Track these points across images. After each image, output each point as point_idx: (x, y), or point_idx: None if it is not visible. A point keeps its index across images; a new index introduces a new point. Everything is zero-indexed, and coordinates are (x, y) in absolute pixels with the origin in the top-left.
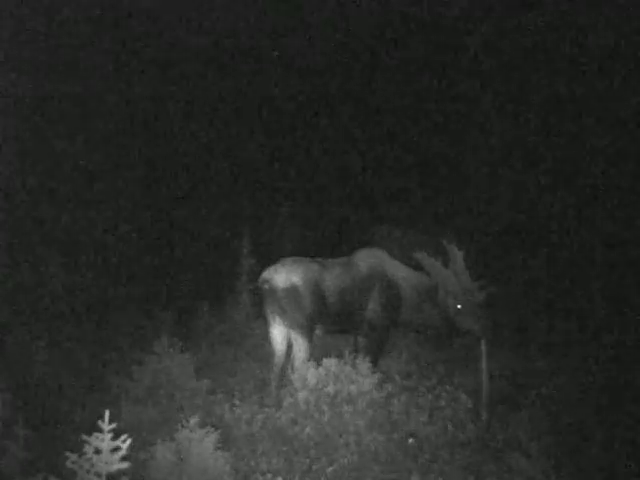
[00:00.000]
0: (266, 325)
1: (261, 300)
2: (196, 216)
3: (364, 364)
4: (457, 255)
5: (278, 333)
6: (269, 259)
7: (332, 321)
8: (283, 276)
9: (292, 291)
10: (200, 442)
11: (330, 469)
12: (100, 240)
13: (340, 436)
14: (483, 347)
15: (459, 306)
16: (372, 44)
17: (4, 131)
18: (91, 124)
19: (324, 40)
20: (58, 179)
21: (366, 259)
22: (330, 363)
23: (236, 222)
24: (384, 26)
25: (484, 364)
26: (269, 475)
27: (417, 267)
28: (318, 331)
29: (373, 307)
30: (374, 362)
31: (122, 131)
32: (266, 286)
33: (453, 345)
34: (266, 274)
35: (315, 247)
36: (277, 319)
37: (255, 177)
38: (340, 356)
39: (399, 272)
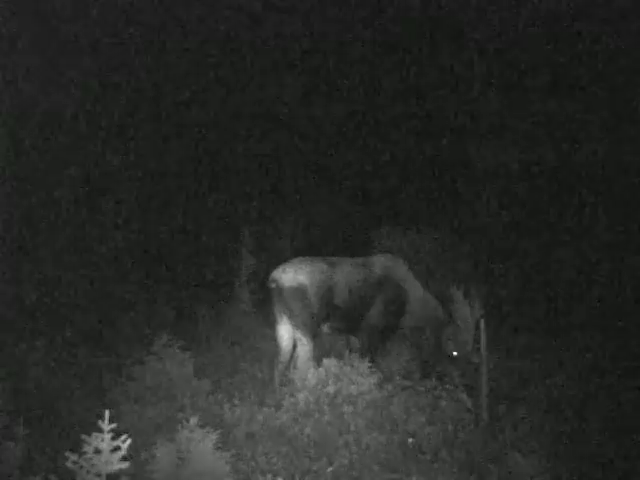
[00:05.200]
0: (273, 323)
1: (269, 299)
2: (196, 216)
3: (364, 364)
4: (477, 311)
5: (285, 332)
6: (269, 259)
7: (339, 320)
8: (290, 276)
9: (298, 291)
10: (200, 442)
11: (330, 469)
12: (100, 240)
13: (340, 436)
14: (483, 347)
15: (455, 353)
16: (377, 45)
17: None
18: (94, 125)
19: (328, 39)
20: (59, 180)
21: (380, 263)
22: (330, 363)
23: (236, 222)
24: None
25: (484, 364)
26: (269, 475)
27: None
28: (325, 330)
29: (376, 309)
30: (371, 362)
31: (124, 132)
32: (273, 285)
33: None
34: (274, 273)
35: (316, 248)
36: (284, 318)
37: (256, 177)
38: (340, 356)
39: (412, 286)
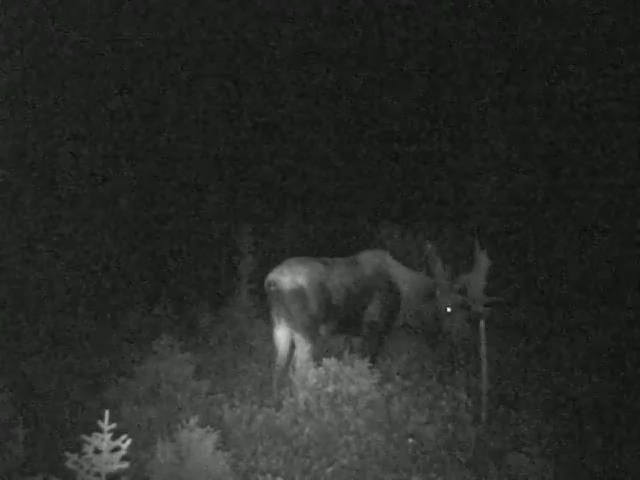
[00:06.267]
0: (270, 326)
1: (267, 302)
2: (196, 216)
3: (364, 364)
4: (484, 262)
5: (282, 334)
6: (269, 259)
7: (336, 321)
8: (289, 277)
9: (298, 292)
10: (200, 442)
11: (330, 469)
12: (101, 240)
13: (340, 436)
14: (483, 347)
15: (449, 309)
16: (375, 42)
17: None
18: (93, 123)
19: (330, 36)
20: (59, 178)
21: (370, 260)
22: (330, 363)
23: (236, 222)
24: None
25: (484, 364)
26: (269, 475)
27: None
28: (322, 332)
29: (373, 308)
30: (372, 362)
31: (124, 130)
32: (272, 288)
33: (440, 345)
34: (272, 276)
35: (315, 248)
36: (282, 320)
37: (255, 177)
38: (340, 356)
39: (401, 274)
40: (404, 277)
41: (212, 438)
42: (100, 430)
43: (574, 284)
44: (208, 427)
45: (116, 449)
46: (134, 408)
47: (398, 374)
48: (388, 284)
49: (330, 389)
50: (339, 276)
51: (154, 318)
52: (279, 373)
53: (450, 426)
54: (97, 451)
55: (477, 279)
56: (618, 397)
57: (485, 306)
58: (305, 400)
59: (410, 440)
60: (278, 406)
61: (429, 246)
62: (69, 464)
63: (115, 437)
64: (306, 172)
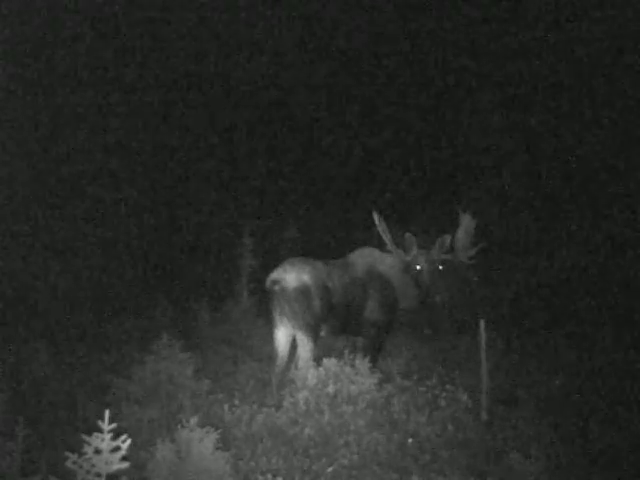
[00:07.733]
0: (271, 326)
1: (270, 301)
2: (197, 216)
3: (364, 364)
4: (466, 220)
5: (282, 335)
6: (269, 259)
7: (336, 321)
8: (294, 276)
9: (304, 291)
10: (200, 442)
11: (330, 469)
12: (101, 240)
13: (340, 436)
14: (483, 347)
15: (418, 267)
16: (374, 36)
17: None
18: (95, 122)
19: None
20: (59, 178)
21: (361, 259)
22: (330, 363)
23: (236, 222)
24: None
25: (484, 364)
26: (269, 475)
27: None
28: (322, 332)
29: (372, 306)
30: (373, 362)
31: (126, 131)
32: (276, 287)
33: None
34: (275, 275)
35: (315, 247)
36: (284, 320)
37: (255, 178)
38: (340, 356)
39: (389, 266)
40: (391, 266)
41: (212, 438)
42: (100, 430)
43: (575, 284)
44: (208, 427)
45: (116, 449)
46: (134, 408)
47: (398, 374)
48: (381, 279)
49: (330, 389)
50: (338, 277)
51: (154, 318)
52: (279, 373)
53: (450, 426)
54: (97, 451)
55: (460, 235)
56: (618, 397)
57: (471, 258)
58: (305, 400)
59: (410, 440)
60: (278, 406)
61: (375, 215)
62: (69, 464)
63: (115, 437)
64: (305, 172)
